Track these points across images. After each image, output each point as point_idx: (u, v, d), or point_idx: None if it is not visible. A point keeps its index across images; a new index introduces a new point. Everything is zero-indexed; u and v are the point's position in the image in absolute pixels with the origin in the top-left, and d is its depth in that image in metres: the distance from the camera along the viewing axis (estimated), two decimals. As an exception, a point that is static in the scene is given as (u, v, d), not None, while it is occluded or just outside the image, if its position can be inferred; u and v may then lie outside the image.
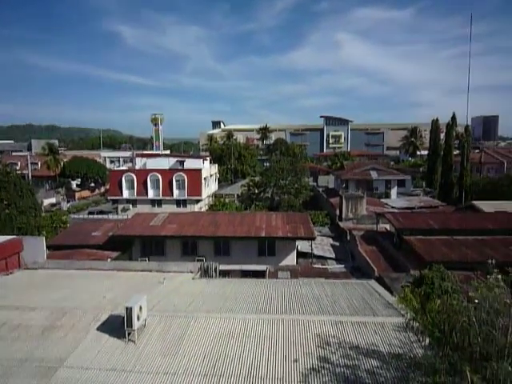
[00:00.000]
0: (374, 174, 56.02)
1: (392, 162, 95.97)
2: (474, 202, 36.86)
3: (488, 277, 7.90)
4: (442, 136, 63.29)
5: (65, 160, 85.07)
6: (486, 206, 34.26)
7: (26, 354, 10.90)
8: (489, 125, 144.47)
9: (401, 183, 56.82)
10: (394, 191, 54.77)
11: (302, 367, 9.71)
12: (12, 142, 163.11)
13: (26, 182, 39.45)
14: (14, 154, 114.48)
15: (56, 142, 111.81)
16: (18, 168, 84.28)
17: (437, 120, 66.00)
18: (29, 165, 76.89)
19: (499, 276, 7.80)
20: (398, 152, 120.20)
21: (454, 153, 59.78)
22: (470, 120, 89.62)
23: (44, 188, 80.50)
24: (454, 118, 58.24)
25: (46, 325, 12.30)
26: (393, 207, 41.78)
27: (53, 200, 69.77)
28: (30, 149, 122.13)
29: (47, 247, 22.13)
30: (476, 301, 7.71)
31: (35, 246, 20.37)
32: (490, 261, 8.12)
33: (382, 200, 47.61)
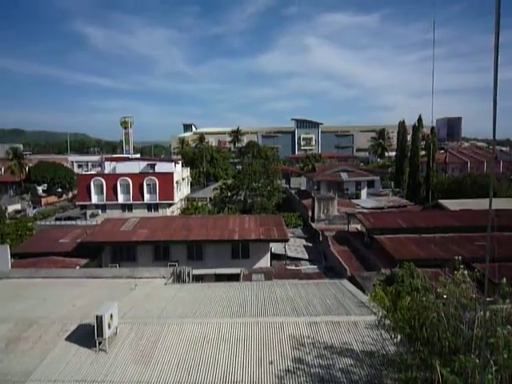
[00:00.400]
0: (344, 176, 56.98)
1: (361, 164, 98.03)
2: (440, 201, 38.16)
3: (455, 273, 8.15)
4: (409, 137, 65.19)
5: (30, 165, 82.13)
6: (452, 204, 35.52)
7: (-11, 368, 10.39)
8: (453, 126, 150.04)
9: (370, 184, 58.02)
10: (364, 192, 55.85)
11: (277, 369, 9.70)
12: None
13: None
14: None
15: (21, 146, 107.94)
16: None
17: (403, 122, 67.96)
18: (-9, 170, 73.69)
19: (465, 272, 8.07)
20: (367, 153, 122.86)
21: (421, 153, 61.74)
22: (435, 122, 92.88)
23: (8, 194, 77.42)
24: (419, 119, 60.14)
25: (11, 337, 11.77)
26: (363, 207, 42.61)
27: (18, 206, 67.14)
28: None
29: (12, 256, 21.30)
30: (444, 296, 7.94)
31: (-1, 255, 19.53)
32: (456, 257, 8.38)
33: (353, 201, 48.48)
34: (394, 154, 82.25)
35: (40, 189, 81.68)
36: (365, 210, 39.00)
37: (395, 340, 8.73)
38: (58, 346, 11.24)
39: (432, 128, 60.30)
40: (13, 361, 10.70)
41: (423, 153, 65.01)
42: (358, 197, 53.88)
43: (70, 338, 11.57)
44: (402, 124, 67.48)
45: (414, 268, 17.36)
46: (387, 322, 8.48)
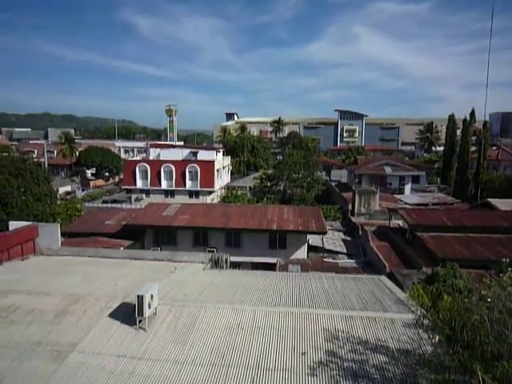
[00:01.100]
0: (387, 170, 55.41)
1: (407, 158, 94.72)
2: (490, 200, 36.23)
3: (501, 275, 7.78)
4: (459, 132, 62.11)
5: (80, 149, 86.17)
6: (502, 203, 33.66)
7: (40, 337, 11.14)
8: (507, 121, 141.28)
9: (415, 179, 56.11)
10: (407, 187, 54.12)
11: (310, 360, 9.73)
12: (29, 130, 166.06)
13: (42, 170, 40.06)
14: (31, 142, 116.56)
15: (72, 131, 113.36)
16: (34, 156, 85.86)
17: (453, 115, 64.80)
18: (45, 153, 78.01)
19: (513, 275, 7.68)
20: (413, 147, 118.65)
21: (471, 149, 58.73)
22: (488, 116, 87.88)
23: (59, 176, 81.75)
24: (472, 113, 57.09)
25: (59, 310, 12.54)
26: (406, 203, 41.32)
27: (68, 188, 70.82)
28: (46, 137, 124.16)
29: (62, 234, 22.51)
30: (489, 299, 7.61)
31: (50, 233, 20.74)
32: (503, 259, 8.00)
33: (396, 196, 47.14)
34: (441, 148, 78.94)
35: (89, 172, 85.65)
36: (408, 206, 37.81)
37: (433, 340, 8.49)
38: (102, 322, 11.86)
39: (485, 122, 57.07)
40: (60, 332, 11.41)
41: (474, 149, 61.81)
42: (401, 192, 52.32)
43: (112, 315, 12.16)
44: (451, 117, 64.35)
45: (458, 268, 16.74)
46: (426, 321, 8.26)
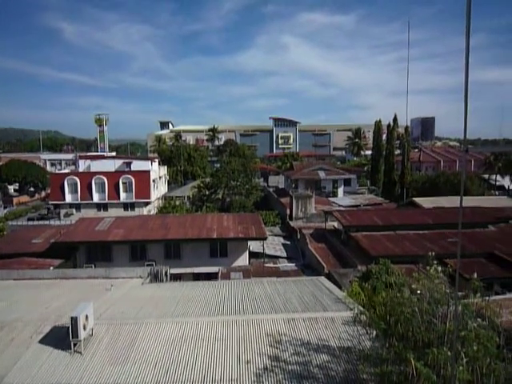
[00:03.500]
0: (321, 174, 57.58)
1: (338, 162, 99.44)
2: (415, 199, 39.13)
3: (428, 269, 8.38)
4: (384, 137, 66.46)
5: (0, 163, 79.47)
6: (425, 202, 36.48)
7: (-42, 374, 10.02)
8: (426, 126, 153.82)
9: (347, 182, 58.85)
10: (340, 190, 56.60)
11: (255, 367, 9.73)
12: None
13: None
14: None
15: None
16: None
17: (379, 121, 69.22)
18: (-42, 169, 70.90)
19: (439, 267, 8.31)
20: (343, 152, 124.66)
21: (396, 152, 63.06)
22: (409, 121, 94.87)
23: (-23, 194, 74.71)
24: (395, 119, 61.38)
25: (-19, 341, 11.38)
26: (340, 205, 43.20)
27: (-13, 206, 64.93)
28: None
29: (-19, 257, 20.56)
30: (418, 292, 8.15)
31: (-33, 257, 18.86)
32: (430, 253, 8.62)
33: (330, 199, 49.10)
34: (369, 152, 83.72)
35: (11, 188, 79.26)
36: (341, 208, 39.55)
37: (371, 335, 8.91)
38: (31, 349, 10.95)
39: (406, 127, 61.64)
40: (-17, 365, 10.35)
41: (398, 152, 66.44)
42: (335, 195, 54.58)
43: (43, 341, 11.28)
44: (377, 123, 68.71)
45: (389, 264, 17.74)
46: (363, 317, 8.64)
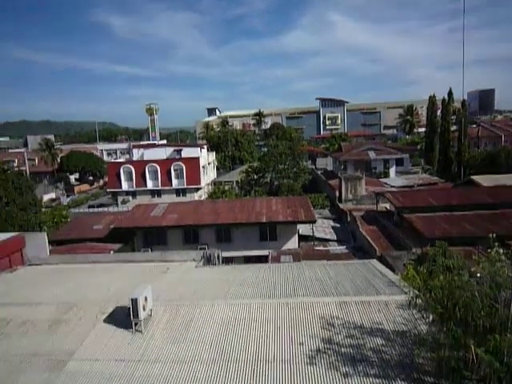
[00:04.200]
0: (371, 154, 55.92)
1: (389, 141, 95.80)
2: (473, 177, 36.92)
3: (489, 251, 7.94)
4: (439, 112, 62.93)
5: (62, 155, 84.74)
6: (485, 180, 34.33)
7: (35, 348, 11.00)
8: (485, 99, 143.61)
9: (399, 162, 56.78)
10: (392, 170, 54.77)
11: (308, 349, 9.81)
12: (7, 139, 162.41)
13: (25, 179, 39.30)
14: (10, 151, 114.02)
15: (52, 137, 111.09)
16: (15, 165, 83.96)
17: (433, 96, 65.57)
18: (26, 161, 76.51)
19: (500, 250, 7.84)
20: (395, 131, 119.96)
21: (452, 128, 59.61)
22: (466, 95, 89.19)
23: (43, 184, 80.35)
24: (450, 93, 57.87)
25: (53, 319, 12.39)
26: (392, 186, 41.85)
27: (52, 195, 69.80)
28: (26, 145, 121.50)
29: (50, 242, 22.19)
30: (478, 275, 7.77)
31: (37, 242, 20.41)
32: (490, 235, 8.14)
33: (381, 179, 47.68)
34: (423, 130, 79.89)
35: (72, 178, 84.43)
36: (394, 189, 38.28)
37: (427, 320, 8.65)
38: (97, 328, 11.76)
39: (463, 101, 57.97)
40: (56, 341, 11.28)
41: (454, 128, 62.74)
42: (386, 175, 52.92)
43: (107, 320, 12.07)
44: (431, 98, 65.11)
45: (446, 247, 17.03)
46: (419, 301, 8.40)
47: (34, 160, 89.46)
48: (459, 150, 52.98)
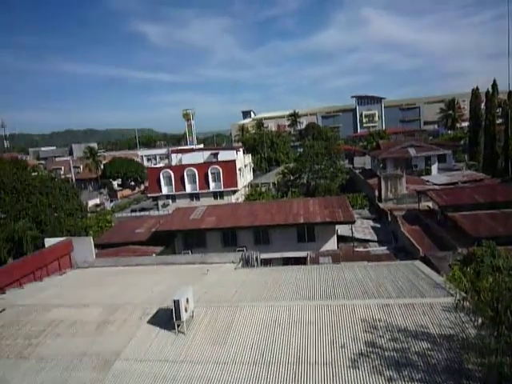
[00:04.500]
0: (412, 151, 54.22)
1: (430, 137, 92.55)
2: (523, 173, 34.91)
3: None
4: (483, 105, 60.02)
5: (105, 161, 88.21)
6: (536, 175, 32.37)
7: (84, 348, 11.51)
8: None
9: (441, 158, 54.69)
10: (434, 167, 52.84)
11: (350, 352, 9.65)
12: (54, 148, 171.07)
13: (71, 186, 41.30)
14: (57, 159, 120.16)
15: (95, 145, 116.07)
16: (62, 173, 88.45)
17: (477, 89, 62.63)
18: (71, 169, 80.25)
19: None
20: (436, 126, 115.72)
21: (497, 122, 56.67)
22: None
23: (87, 190, 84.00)
24: (494, 85, 55.07)
25: (100, 320, 12.91)
26: (434, 184, 40.36)
27: (97, 201, 72.69)
28: (71, 153, 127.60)
29: (95, 246, 23.13)
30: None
31: (84, 246, 21.36)
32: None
33: (423, 177, 46.12)
34: (466, 124, 76.56)
35: (115, 183, 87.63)
36: (436, 187, 36.89)
37: (476, 323, 8.27)
38: (141, 329, 12.14)
39: (509, 92, 54.93)
40: (103, 342, 11.75)
41: (500, 121, 59.61)
42: (428, 173, 51.13)
43: (151, 321, 12.43)
44: (474, 91, 62.19)
45: (494, 246, 16.23)
46: (467, 304, 8.06)
47: (79, 167, 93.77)
48: (506, 143, 50.21)
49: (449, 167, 54.45)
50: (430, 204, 29.86)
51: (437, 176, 47.36)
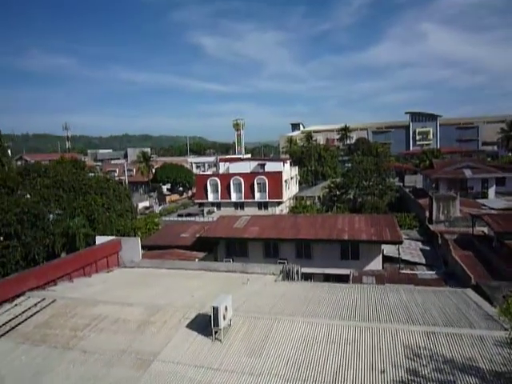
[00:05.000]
0: (467, 172, 51.56)
1: (489, 159, 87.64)
2: None
3: None
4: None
5: (156, 166, 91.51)
6: None
7: (125, 346, 11.88)
8: None
9: (500, 181, 51.52)
10: (492, 190, 49.85)
11: (390, 378, 9.24)
12: (111, 150, 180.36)
13: (123, 188, 43.10)
14: (112, 162, 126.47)
15: (149, 149, 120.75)
16: (116, 175, 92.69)
17: (544, 110, 58.71)
18: (125, 171, 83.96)
19: None
20: (495, 147, 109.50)
21: None
22: None
23: (138, 192, 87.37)
24: None
25: (142, 320, 13.30)
26: (491, 208, 38.03)
27: (146, 203, 75.41)
28: (126, 157, 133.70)
29: (142, 247, 23.93)
30: None
31: (132, 246, 22.18)
32: None
33: (478, 200, 43.63)
34: (530, 146, 71.76)
35: (164, 188, 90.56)
36: (493, 211, 34.74)
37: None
38: (180, 332, 12.35)
39: None
40: (143, 341, 12.08)
41: None
42: (484, 196, 48.31)
43: (189, 326, 12.62)
44: (541, 112, 58.34)
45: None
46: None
47: (132, 170, 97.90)
48: None
49: (508, 191, 51.14)
50: (485, 229, 28.14)
51: (494, 200, 44.65)
